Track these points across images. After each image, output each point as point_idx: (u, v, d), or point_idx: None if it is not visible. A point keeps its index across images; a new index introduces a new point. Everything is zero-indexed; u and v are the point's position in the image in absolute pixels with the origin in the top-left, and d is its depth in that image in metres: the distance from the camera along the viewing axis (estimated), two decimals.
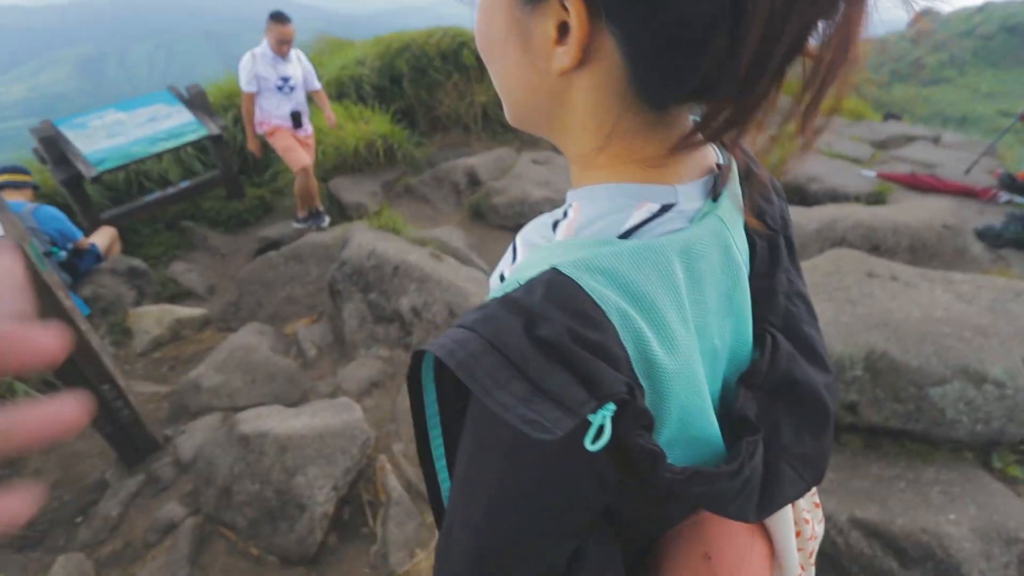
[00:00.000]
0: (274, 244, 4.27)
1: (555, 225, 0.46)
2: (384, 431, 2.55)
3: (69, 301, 2.13)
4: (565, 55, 0.39)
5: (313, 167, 4.13)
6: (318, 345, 3.19)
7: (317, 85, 4.09)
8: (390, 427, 2.57)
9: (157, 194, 4.59)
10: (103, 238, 3.89)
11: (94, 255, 3.75)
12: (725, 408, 0.44)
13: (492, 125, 5.47)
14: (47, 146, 4.03)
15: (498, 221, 4.18)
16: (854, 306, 1.65)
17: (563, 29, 0.38)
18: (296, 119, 3.92)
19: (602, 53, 0.38)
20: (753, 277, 0.47)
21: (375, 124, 4.98)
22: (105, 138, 4.32)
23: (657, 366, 0.37)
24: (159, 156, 4.67)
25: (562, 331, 0.35)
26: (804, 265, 1.93)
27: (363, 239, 3.16)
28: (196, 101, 4.79)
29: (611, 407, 0.34)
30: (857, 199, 3.13)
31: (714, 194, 0.44)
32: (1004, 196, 3.23)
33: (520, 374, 0.34)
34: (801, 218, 2.60)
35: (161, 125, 4.58)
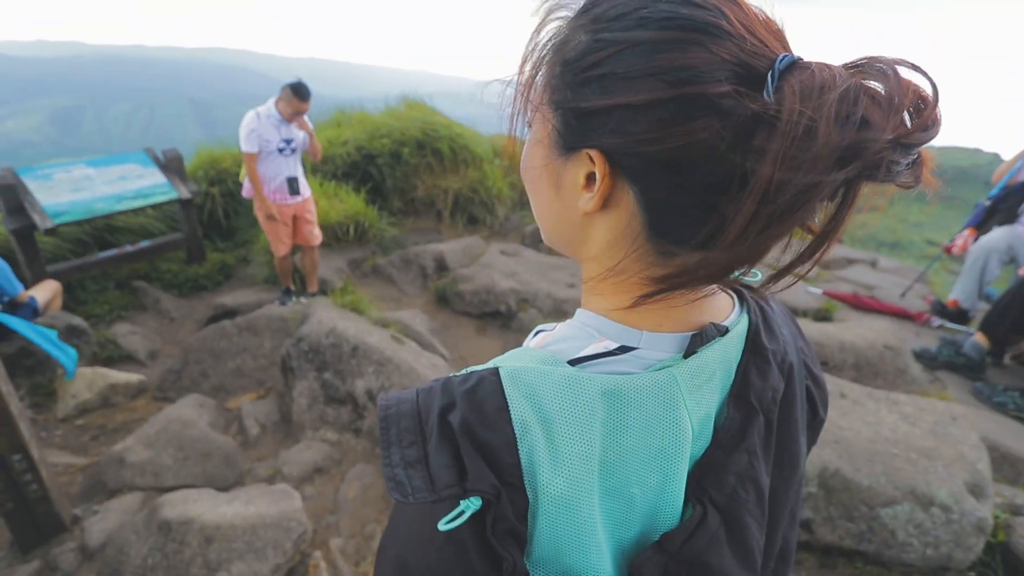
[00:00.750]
0: (230, 312, 4.14)
1: (536, 333, 0.53)
2: (323, 523, 2.36)
3: None
4: (589, 201, 0.44)
5: (317, 233, 4.01)
6: (262, 423, 3.01)
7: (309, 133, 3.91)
8: (330, 519, 2.39)
9: (113, 251, 4.45)
10: (44, 292, 3.68)
11: (31, 309, 3.53)
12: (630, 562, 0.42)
13: (463, 213, 5.64)
14: (3, 193, 3.91)
15: (463, 308, 4.20)
16: None
17: (590, 177, 0.44)
18: (292, 185, 3.76)
19: (622, 202, 0.43)
20: (713, 446, 0.45)
21: (349, 202, 5.06)
22: (69, 191, 4.23)
23: (540, 486, 0.39)
24: (121, 214, 4.57)
25: (457, 421, 0.40)
26: None
27: (324, 316, 3.10)
28: (172, 165, 4.81)
29: (477, 502, 0.38)
30: (806, 314, 3.30)
31: (686, 352, 0.44)
32: (936, 321, 3.47)
33: (422, 442, 0.40)
34: None
35: (131, 184, 4.54)
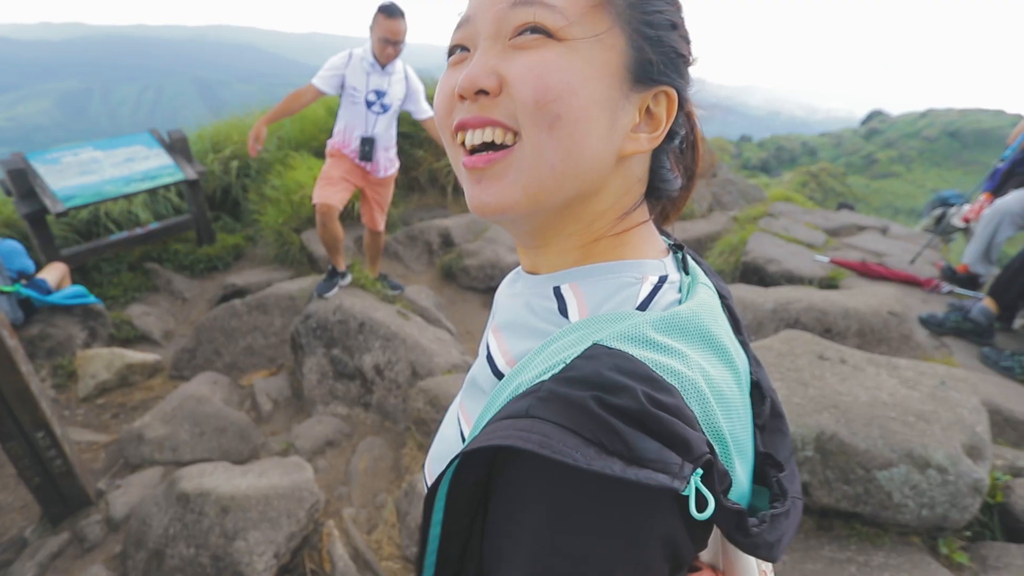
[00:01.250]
0: (240, 292, 4.20)
1: (562, 310, 0.46)
2: (335, 494, 2.44)
3: (13, 340, 2.04)
4: (647, 140, 0.45)
5: (381, 220, 3.32)
6: (274, 399, 3.09)
7: (426, 111, 3.12)
8: (342, 490, 2.47)
9: (124, 234, 4.51)
10: (53, 274, 3.76)
11: (43, 291, 3.62)
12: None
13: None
14: (15, 178, 3.96)
15: (468, 283, 4.22)
16: (805, 387, 1.70)
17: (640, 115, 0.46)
18: (364, 148, 2.96)
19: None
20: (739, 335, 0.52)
21: None
22: (78, 175, 4.28)
23: (719, 428, 0.38)
24: (130, 197, 4.62)
25: (639, 397, 0.33)
26: (759, 344, 1.99)
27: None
28: (177, 146, 4.82)
29: (699, 472, 0.33)
30: (811, 282, 3.28)
31: (686, 267, 0.50)
32: (946, 287, 3.43)
33: (605, 450, 0.32)
34: (758, 297, 2.71)
35: (138, 166, 4.58)
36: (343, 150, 3.02)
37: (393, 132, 3.11)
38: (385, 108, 2.94)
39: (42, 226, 4.04)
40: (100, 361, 3.35)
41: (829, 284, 3.30)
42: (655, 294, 0.44)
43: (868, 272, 3.48)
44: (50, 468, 2.23)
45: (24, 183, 4.00)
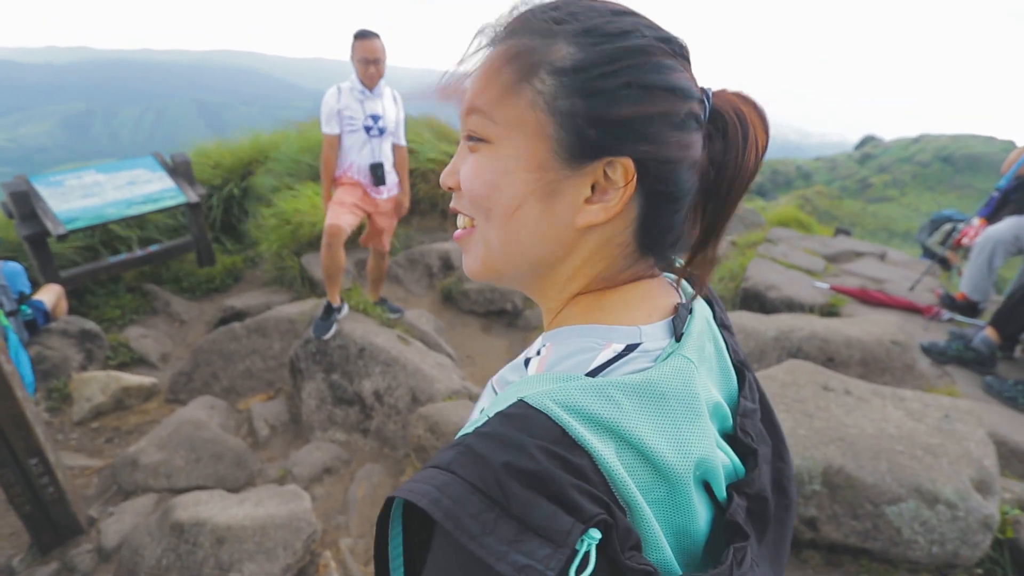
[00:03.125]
0: (239, 315, 4.18)
1: (527, 363, 0.49)
2: (333, 523, 2.40)
3: (9, 366, 2.02)
4: (601, 211, 0.44)
5: (388, 240, 3.36)
6: (272, 424, 3.05)
7: (402, 140, 3.19)
8: (340, 519, 2.42)
9: (123, 256, 4.51)
10: (48, 295, 3.75)
11: (42, 312, 3.61)
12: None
13: None
14: (17, 201, 3.97)
15: (468, 307, 4.22)
16: (811, 419, 1.69)
17: (592, 188, 0.44)
18: (376, 173, 3.02)
19: (625, 210, 0.45)
20: (740, 398, 0.51)
21: None
22: (80, 198, 4.29)
23: (632, 492, 0.38)
24: (132, 219, 4.63)
25: (543, 459, 0.35)
26: (762, 375, 1.98)
27: None
28: (180, 169, 4.85)
29: (596, 534, 0.34)
30: (812, 310, 3.28)
31: (676, 334, 0.46)
32: (946, 314, 3.44)
33: (505, 513, 0.34)
34: (760, 325, 2.70)
35: (140, 189, 4.60)
36: (354, 178, 3.06)
37: (391, 154, 3.17)
38: (382, 131, 3.02)
39: (42, 248, 4.04)
40: (96, 384, 3.32)
41: (829, 311, 3.30)
42: (614, 362, 0.43)
43: (868, 299, 3.49)
44: (42, 496, 2.18)
45: (26, 205, 4.00)
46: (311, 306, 3.61)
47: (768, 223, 6.36)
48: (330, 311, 3.08)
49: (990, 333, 2.85)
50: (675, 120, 0.43)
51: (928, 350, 2.85)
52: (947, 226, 4.79)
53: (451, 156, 4.78)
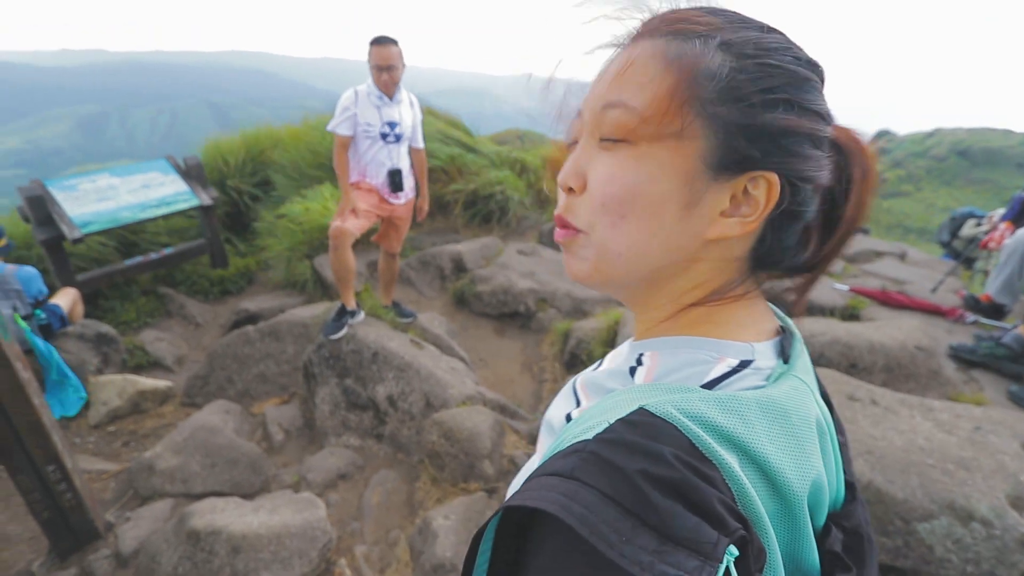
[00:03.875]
0: (252, 318, 4.19)
1: (632, 371, 0.47)
2: (347, 530, 2.38)
3: (27, 373, 2.03)
4: (737, 226, 0.44)
5: (398, 243, 3.32)
6: (286, 428, 3.05)
7: (420, 142, 3.15)
8: (354, 526, 2.41)
9: (139, 259, 4.54)
10: (65, 299, 3.78)
11: (58, 316, 3.64)
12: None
13: (479, 213, 5.63)
14: (33, 205, 4.00)
15: (481, 309, 4.19)
16: None
17: (731, 201, 0.44)
18: (395, 180, 3.00)
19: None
20: (837, 432, 0.50)
21: None
22: (95, 201, 4.32)
23: (755, 503, 0.37)
24: (146, 222, 4.66)
25: (683, 468, 0.34)
26: None
27: None
28: (193, 172, 4.88)
29: (734, 550, 0.32)
30: (832, 313, 3.22)
31: (784, 356, 0.46)
32: (970, 317, 3.35)
33: (641, 522, 0.32)
34: None
35: (154, 193, 4.62)
36: (371, 183, 3.03)
37: (408, 158, 3.14)
38: (398, 138, 2.99)
39: (58, 252, 4.07)
40: (112, 388, 3.34)
41: (850, 314, 3.23)
42: (729, 376, 0.43)
43: (889, 301, 3.41)
44: (60, 502, 2.19)
45: (42, 210, 4.04)
46: (324, 309, 3.60)
47: None
48: (343, 313, 3.07)
49: (1023, 331, 2.78)
50: (820, 142, 0.44)
51: (958, 350, 2.78)
52: (971, 222, 4.69)
53: (460, 154, 4.67)
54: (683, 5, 0.46)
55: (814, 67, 0.44)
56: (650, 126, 0.43)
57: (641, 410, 0.37)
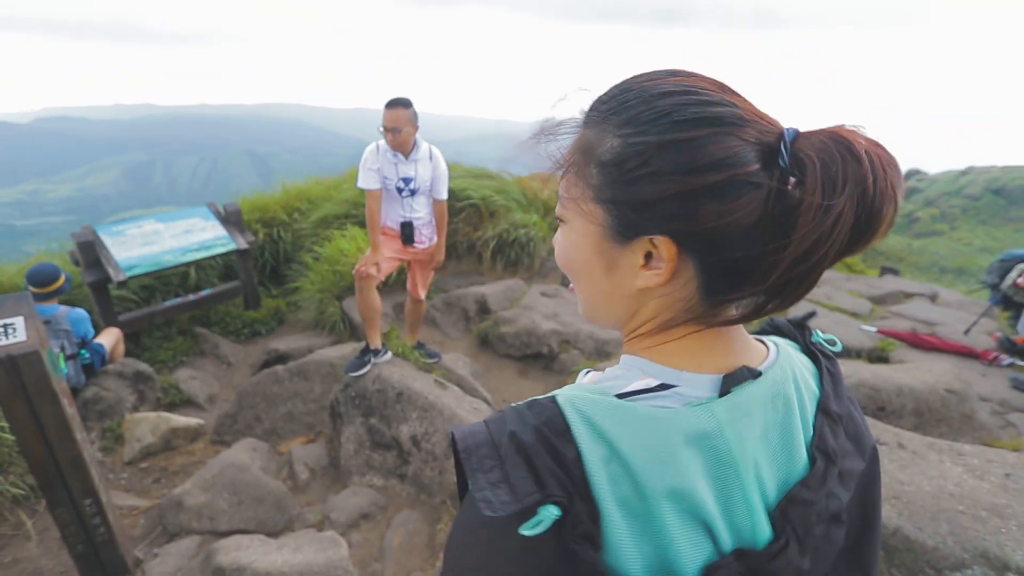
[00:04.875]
0: (282, 357, 4.31)
1: (587, 373, 0.61)
2: (369, 571, 2.39)
3: (72, 409, 2.13)
4: (654, 277, 0.49)
5: (423, 289, 3.44)
6: (311, 467, 3.09)
7: (441, 194, 3.23)
8: (376, 567, 2.41)
9: (177, 300, 4.74)
10: (108, 339, 3.96)
11: (100, 356, 3.80)
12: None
13: (503, 256, 5.74)
14: (84, 250, 4.26)
15: (505, 350, 4.23)
16: None
17: (648, 257, 0.49)
18: (406, 232, 3.14)
19: (681, 272, 0.49)
20: (799, 485, 0.50)
21: None
22: (140, 246, 4.57)
23: (606, 496, 0.44)
24: (186, 265, 4.89)
25: (536, 440, 0.44)
26: None
27: None
28: (231, 218, 5.12)
29: (555, 511, 0.41)
30: (859, 355, 3.16)
31: (721, 392, 0.48)
32: (1006, 359, 3.25)
33: (500, 464, 0.44)
34: None
35: (195, 237, 4.87)
36: (393, 229, 3.19)
37: (427, 209, 3.25)
38: (414, 192, 3.12)
39: (104, 293, 4.29)
40: (147, 425, 3.45)
41: (878, 356, 3.17)
42: (644, 393, 0.48)
43: (920, 343, 3.34)
44: (94, 536, 2.26)
45: (92, 254, 4.29)
46: (351, 350, 3.69)
47: None
48: (366, 352, 3.17)
49: None
50: (713, 192, 0.43)
51: (1018, 384, 2.72)
52: (1021, 266, 4.53)
53: (490, 195, 4.87)
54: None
55: (716, 117, 0.45)
56: (568, 209, 0.53)
57: (550, 397, 0.48)
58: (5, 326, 1.98)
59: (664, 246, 0.47)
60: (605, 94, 0.51)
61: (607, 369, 0.56)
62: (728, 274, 0.47)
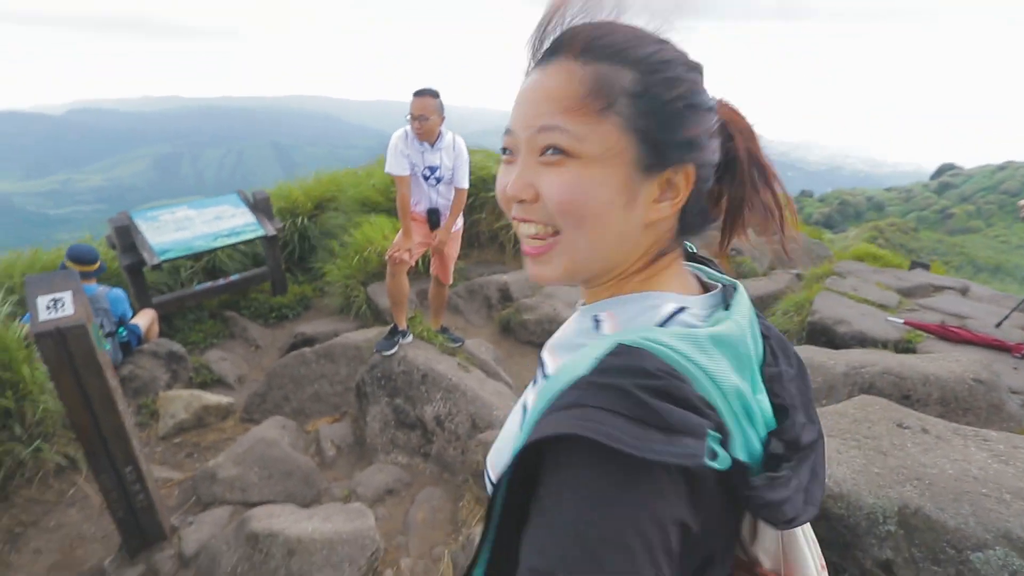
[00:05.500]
0: (309, 341, 4.42)
1: (597, 326, 0.57)
2: (393, 543, 2.46)
3: (115, 381, 2.24)
4: (668, 208, 0.53)
5: (450, 273, 3.51)
6: (338, 445, 3.18)
7: (462, 183, 3.22)
8: (400, 539, 2.48)
9: (207, 284, 4.88)
10: (144, 319, 4.11)
11: (135, 336, 3.95)
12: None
13: None
14: (120, 234, 4.41)
15: (526, 337, 4.27)
16: (885, 457, 1.61)
17: (662, 187, 0.53)
18: (432, 218, 3.25)
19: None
20: (766, 365, 0.58)
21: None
22: (173, 231, 4.71)
23: (719, 405, 0.47)
24: (216, 251, 5.03)
25: (665, 375, 0.43)
26: (831, 409, 1.92)
27: None
28: (260, 205, 5.25)
29: (715, 433, 0.42)
30: (885, 345, 3.13)
31: (726, 304, 0.56)
32: None
33: (646, 424, 0.41)
34: (828, 360, 2.61)
35: (225, 224, 5.00)
36: (421, 215, 3.27)
37: (451, 198, 3.29)
38: (440, 180, 3.18)
39: (139, 276, 4.44)
40: (180, 402, 3.58)
41: (905, 347, 3.14)
42: (674, 317, 0.53)
43: (948, 335, 3.29)
44: (134, 502, 2.37)
45: (127, 238, 4.44)
46: (376, 334, 3.77)
47: (836, 258, 6.11)
48: (395, 332, 3.27)
49: None
50: (712, 131, 0.53)
51: None
52: None
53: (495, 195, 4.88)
54: (581, 21, 0.53)
55: (699, 69, 0.54)
56: (586, 143, 0.50)
57: (619, 345, 0.46)
58: (55, 300, 2.08)
59: (686, 176, 0.52)
60: (592, 30, 0.52)
61: (607, 315, 0.56)
62: (698, 204, 0.56)
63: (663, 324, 0.52)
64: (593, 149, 0.50)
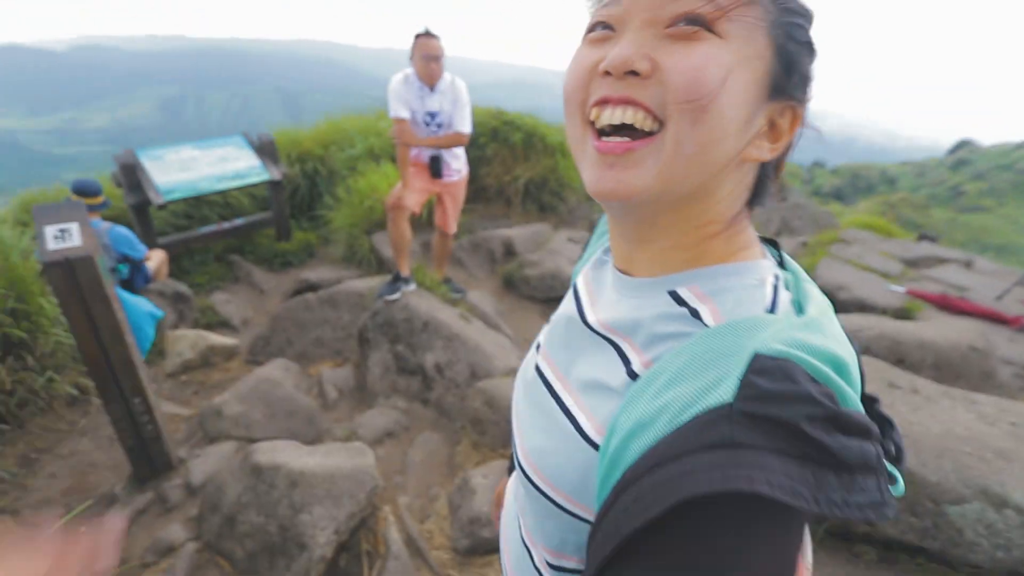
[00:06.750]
0: (312, 287, 4.45)
1: (694, 313, 0.46)
2: (392, 482, 2.55)
3: (122, 313, 2.28)
4: (768, 151, 0.46)
5: (454, 222, 3.48)
6: (340, 388, 3.26)
7: (462, 126, 3.08)
8: (398, 479, 2.57)
9: (212, 227, 4.89)
10: (154, 260, 4.14)
11: (144, 276, 3.98)
12: None
13: (534, 201, 5.73)
14: (125, 172, 4.39)
15: (528, 292, 4.30)
16: None
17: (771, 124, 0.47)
18: (435, 166, 3.17)
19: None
20: None
21: None
22: (178, 171, 4.68)
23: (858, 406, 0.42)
24: (221, 193, 5.01)
25: (829, 402, 0.35)
26: None
27: None
28: (265, 149, 5.19)
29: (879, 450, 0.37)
30: (884, 312, 3.15)
31: (780, 262, 0.52)
32: None
33: (819, 465, 0.34)
34: None
35: (230, 166, 4.96)
36: (423, 161, 3.20)
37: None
38: (441, 126, 3.09)
39: (145, 216, 4.45)
40: (186, 341, 3.65)
41: (904, 315, 3.16)
42: (776, 295, 0.45)
43: (948, 306, 3.31)
44: (143, 432, 2.45)
45: (133, 176, 4.42)
46: (378, 281, 3.79)
47: (844, 226, 6.06)
48: (397, 279, 3.30)
49: None
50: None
51: None
52: None
53: (527, 136, 4.76)
54: None
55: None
56: (733, 26, 0.42)
57: (758, 356, 0.37)
58: (62, 231, 2.09)
59: (794, 119, 0.46)
60: None
61: (695, 293, 0.47)
62: (773, 173, 0.50)
63: (773, 308, 0.44)
64: (739, 33, 0.42)
